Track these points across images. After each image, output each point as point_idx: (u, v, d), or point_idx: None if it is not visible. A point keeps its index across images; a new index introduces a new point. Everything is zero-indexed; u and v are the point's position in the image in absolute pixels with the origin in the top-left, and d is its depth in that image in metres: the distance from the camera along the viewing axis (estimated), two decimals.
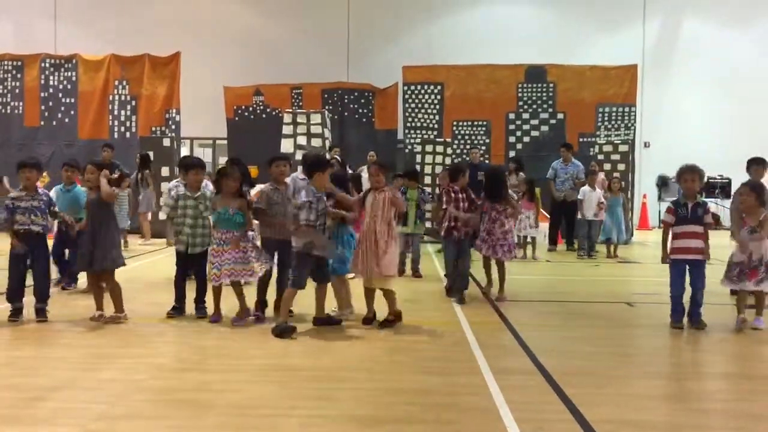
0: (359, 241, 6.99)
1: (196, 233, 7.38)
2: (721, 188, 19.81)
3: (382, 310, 7.11)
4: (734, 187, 19.25)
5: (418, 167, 15.60)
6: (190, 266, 7.54)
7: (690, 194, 7.12)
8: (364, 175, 11.27)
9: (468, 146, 17.93)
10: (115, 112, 18.45)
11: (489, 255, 8.76)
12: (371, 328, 6.94)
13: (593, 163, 15.17)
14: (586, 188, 13.48)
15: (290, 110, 16.65)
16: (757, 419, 4.55)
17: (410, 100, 18.33)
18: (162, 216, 7.67)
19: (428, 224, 12.93)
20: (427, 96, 18.35)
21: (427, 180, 15.75)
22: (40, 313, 7.12)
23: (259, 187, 7.92)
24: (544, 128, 18.03)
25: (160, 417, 4.42)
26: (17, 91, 18.63)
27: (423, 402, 4.73)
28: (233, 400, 4.73)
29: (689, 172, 7.12)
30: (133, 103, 18.45)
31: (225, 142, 19.57)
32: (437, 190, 13.54)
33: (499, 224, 8.66)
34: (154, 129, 18.18)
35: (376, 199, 6.92)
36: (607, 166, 15.88)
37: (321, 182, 6.75)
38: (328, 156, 13.97)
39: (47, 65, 18.60)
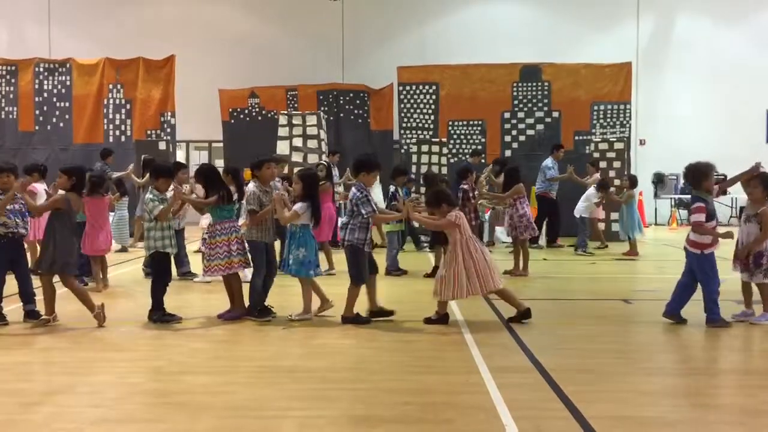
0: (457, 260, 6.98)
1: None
2: (717, 185, 19.77)
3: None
4: None
5: (414, 167, 15.61)
6: None
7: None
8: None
9: (464, 146, 17.93)
10: (110, 116, 18.41)
11: (512, 236, 10.86)
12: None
13: (592, 162, 15.26)
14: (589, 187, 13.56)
15: (286, 112, 16.64)
16: (756, 415, 4.55)
17: (405, 101, 18.33)
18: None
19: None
20: (422, 96, 18.35)
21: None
22: (34, 314, 7.16)
23: None
24: (540, 127, 18.03)
25: (156, 420, 4.41)
26: (11, 96, 18.57)
27: (421, 401, 4.72)
28: (230, 402, 4.72)
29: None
30: (128, 106, 18.42)
31: (221, 144, 19.56)
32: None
33: (515, 210, 10.69)
34: (149, 132, 18.15)
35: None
36: (603, 164, 15.88)
37: (366, 181, 7.16)
38: (326, 159, 14.10)
39: (41, 70, 18.56)
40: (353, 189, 7.21)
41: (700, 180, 7.05)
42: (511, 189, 10.75)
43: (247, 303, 7.35)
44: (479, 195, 11.91)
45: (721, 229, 6.96)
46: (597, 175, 14.42)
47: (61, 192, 7.26)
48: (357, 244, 7.04)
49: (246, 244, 7.39)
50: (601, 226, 14.68)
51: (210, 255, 7.36)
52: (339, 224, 10.52)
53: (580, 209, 13.52)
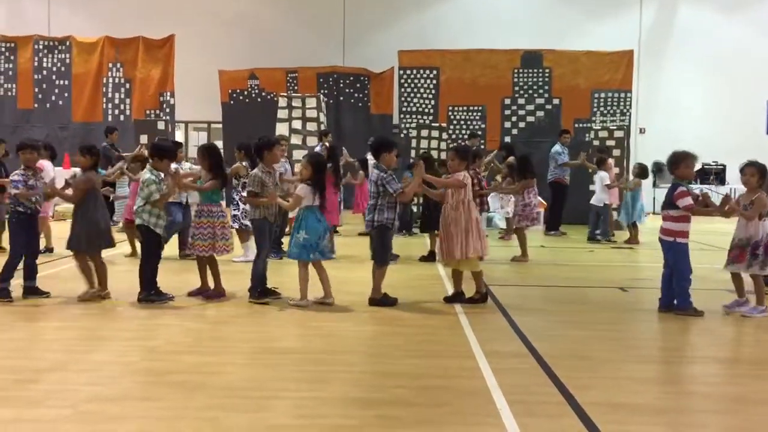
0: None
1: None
2: (716, 174, 19.82)
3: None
4: (728, 174, 19.41)
5: (413, 152, 15.57)
6: None
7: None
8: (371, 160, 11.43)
9: (464, 131, 17.87)
10: (109, 95, 18.35)
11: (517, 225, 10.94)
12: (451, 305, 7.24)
13: (603, 148, 15.18)
14: (603, 173, 13.44)
15: (285, 94, 16.58)
16: (746, 403, 4.58)
17: (406, 85, 18.25)
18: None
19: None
20: (422, 81, 18.27)
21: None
22: (33, 290, 7.23)
23: None
24: (540, 114, 17.98)
25: (152, 399, 4.42)
26: (10, 73, 18.50)
27: (416, 385, 4.73)
28: (226, 382, 4.73)
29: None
30: (127, 85, 18.35)
31: (220, 125, 19.50)
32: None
33: (520, 199, 10.95)
34: (148, 112, 18.09)
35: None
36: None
37: (388, 161, 7.17)
38: (319, 144, 14.01)
39: (41, 47, 18.46)
40: (375, 170, 7.20)
41: (677, 165, 7.06)
42: (521, 183, 10.86)
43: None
44: (493, 187, 11.94)
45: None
46: (611, 161, 14.25)
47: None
48: (387, 223, 7.12)
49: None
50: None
51: (194, 234, 7.45)
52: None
53: (599, 199, 13.42)
